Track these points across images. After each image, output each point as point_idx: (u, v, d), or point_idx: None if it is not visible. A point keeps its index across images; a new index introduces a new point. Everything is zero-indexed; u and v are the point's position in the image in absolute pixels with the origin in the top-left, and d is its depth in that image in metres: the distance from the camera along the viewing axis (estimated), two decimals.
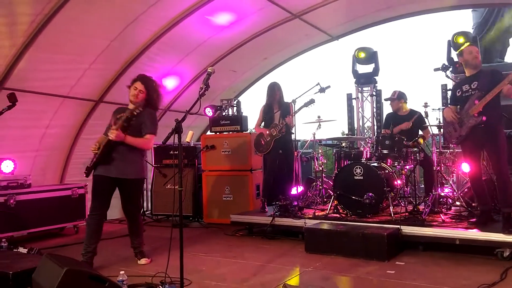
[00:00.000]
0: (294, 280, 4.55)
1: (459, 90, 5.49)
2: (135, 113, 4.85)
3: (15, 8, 5.82)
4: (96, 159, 4.99)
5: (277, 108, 7.13)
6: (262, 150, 7.14)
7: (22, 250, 5.78)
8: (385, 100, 7.83)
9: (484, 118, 5.10)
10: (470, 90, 5.33)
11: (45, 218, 7.01)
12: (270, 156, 7.12)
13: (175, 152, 8.53)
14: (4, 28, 5.98)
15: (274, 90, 7.20)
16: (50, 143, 7.88)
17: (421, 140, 6.60)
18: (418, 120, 6.93)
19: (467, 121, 5.25)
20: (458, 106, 5.48)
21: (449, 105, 5.73)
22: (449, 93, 7.03)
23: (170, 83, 9.31)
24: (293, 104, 6.84)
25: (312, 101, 6.77)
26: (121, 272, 4.07)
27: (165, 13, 7.38)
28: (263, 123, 7.34)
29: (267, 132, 7.03)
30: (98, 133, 5.64)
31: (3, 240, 6.15)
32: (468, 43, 6.48)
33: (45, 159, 7.96)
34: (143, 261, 5.27)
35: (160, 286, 4.11)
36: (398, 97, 7.33)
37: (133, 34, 7.41)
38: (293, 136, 7.09)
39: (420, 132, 7.08)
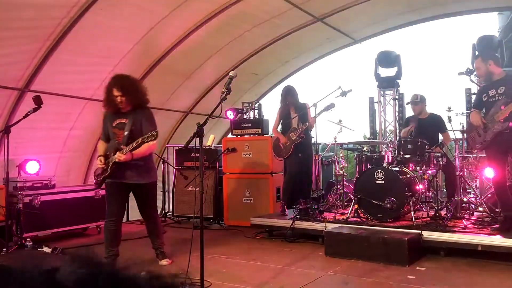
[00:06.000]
0: (313, 284, 4.55)
1: (485, 94, 5.41)
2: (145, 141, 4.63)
3: (41, 11, 5.93)
4: (107, 175, 4.91)
5: (294, 113, 7.10)
6: (282, 154, 7.11)
7: (46, 249, 5.92)
8: (407, 103, 7.76)
9: (510, 124, 5.04)
10: (496, 95, 5.25)
11: (69, 218, 7.10)
12: (289, 159, 7.09)
13: (196, 155, 8.57)
14: (31, 31, 6.11)
15: (283, 95, 7.17)
16: (74, 145, 8.01)
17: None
18: (437, 125, 6.89)
19: (492, 126, 5.19)
20: (483, 111, 5.42)
21: (472, 109, 5.66)
22: (473, 97, 6.94)
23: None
24: (309, 105, 6.81)
25: (332, 105, 6.71)
26: (142, 273, 4.10)
27: (188, 16, 7.44)
28: (280, 125, 7.30)
29: (285, 138, 6.99)
30: None
31: (28, 239, 6.29)
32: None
33: (69, 160, 8.09)
34: (164, 262, 5.30)
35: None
36: (421, 100, 7.26)
37: (157, 37, 7.50)
38: (313, 140, 7.08)
39: (441, 137, 7.01)
